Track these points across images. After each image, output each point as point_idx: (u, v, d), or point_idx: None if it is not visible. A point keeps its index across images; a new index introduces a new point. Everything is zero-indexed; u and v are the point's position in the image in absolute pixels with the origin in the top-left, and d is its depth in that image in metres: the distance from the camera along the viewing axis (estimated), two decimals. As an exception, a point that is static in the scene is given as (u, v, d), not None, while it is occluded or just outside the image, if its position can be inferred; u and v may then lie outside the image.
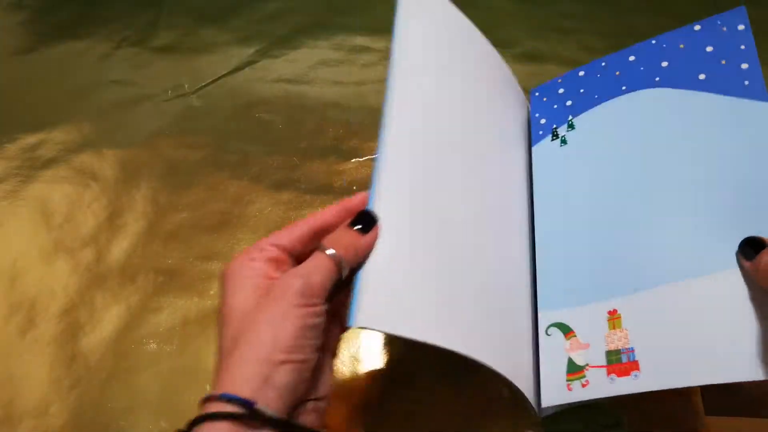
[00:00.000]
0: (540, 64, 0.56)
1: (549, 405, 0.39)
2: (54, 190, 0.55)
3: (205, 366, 0.47)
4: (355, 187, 0.54)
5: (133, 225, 0.53)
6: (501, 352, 0.38)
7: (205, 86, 0.60)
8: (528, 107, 0.52)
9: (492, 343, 0.38)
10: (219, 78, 0.61)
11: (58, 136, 0.58)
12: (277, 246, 0.34)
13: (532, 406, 0.41)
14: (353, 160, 0.55)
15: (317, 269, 0.32)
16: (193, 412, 0.45)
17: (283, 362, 0.29)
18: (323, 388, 0.33)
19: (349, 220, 0.34)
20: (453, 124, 0.43)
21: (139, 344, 0.48)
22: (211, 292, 0.50)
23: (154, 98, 0.60)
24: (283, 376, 0.29)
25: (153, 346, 0.48)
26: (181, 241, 0.52)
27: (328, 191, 0.54)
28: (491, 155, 0.45)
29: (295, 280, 0.31)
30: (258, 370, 0.29)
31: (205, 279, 0.50)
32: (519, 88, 0.52)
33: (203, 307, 0.49)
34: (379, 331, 0.32)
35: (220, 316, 0.32)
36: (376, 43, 0.62)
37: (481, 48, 0.49)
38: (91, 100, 0.60)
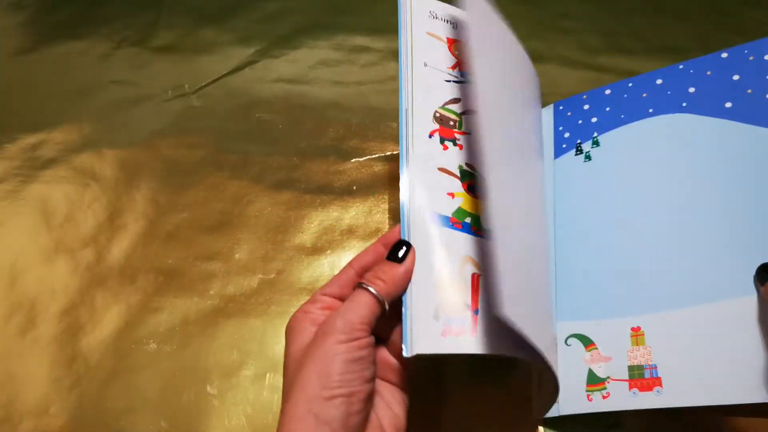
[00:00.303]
0: (540, 64, 0.56)
1: (568, 413, 0.40)
2: (54, 190, 0.55)
3: (204, 366, 0.47)
4: (354, 187, 0.54)
5: (133, 225, 0.53)
6: (549, 352, 0.38)
7: (205, 86, 0.60)
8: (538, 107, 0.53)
9: (541, 342, 0.38)
10: (219, 78, 0.61)
11: (58, 136, 0.58)
12: (329, 294, 0.37)
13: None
14: (353, 160, 0.55)
15: (356, 305, 0.34)
16: (193, 412, 0.45)
17: (331, 397, 0.31)
18: (389, 422, 0.34)
19: (381, 246, 0.37)
20: (482, 134, 0.43)
21: (139, 344, 0.48)
22: (211, 292, 0.50)
23: (154, 98, 0.60)
24: (332, 410, 0.31)
25: (153, 346, 0.48)
26: (181, 241, 0.52)
27: (328, 191, 0.54)
28: (516, 162, 0.45)
29: (336, 318, 0.33)
30: (308, 409, 0.31)
31: (205, 279, 0.50)
32: (538, 88, 0.52)
33: (203, 307, 0.49)
34: (435, 354, 0.34)
35: (283, 368, 0.35)
36: (376, 43, 0.62)
37: (509, 46, 0.49)
38: (91, 100, 0.60)
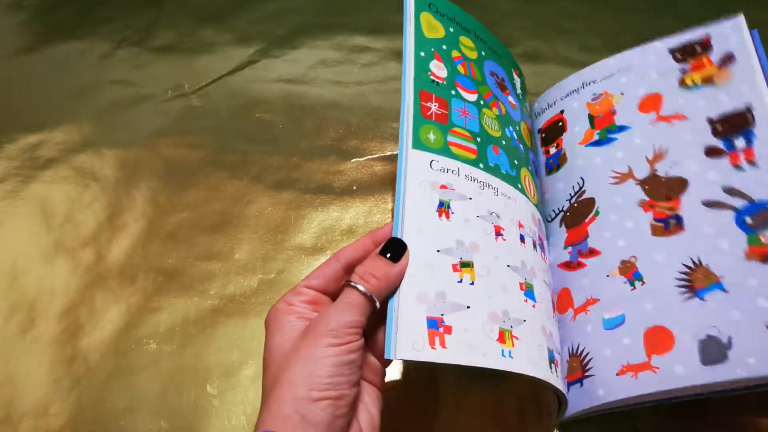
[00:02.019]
0: (540, 64, 0.56)
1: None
2: (54, 190, 0.55)
3: (204, 366, 0.47)
4: (354, 187, 0.54)
5: (133, 225, 0.53)
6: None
7: (205, 86, 0.60)
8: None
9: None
10: (219, 78, 0.61)
11: (58, 136, 0.58)
12: (312, 287, 0.36)
13: (552, 411, 0.41)
14: (353, 160, 0.55)
15: (349, 307, 0.33)
16: (193, 412, 0.45)
17: (319, 399, 0.30)
18: (366, 423, 0.34)
19: (378, 249, 0.35)
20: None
21: (139, 344, 0.48)
22: (211, 292, 0.50)
23: (154, 98, 0.60)
24: (320, 412, 0.30)
25: (153, 346, 0.48)
26: (181, 241, 0.52)
27: (328, 191, 0.54)
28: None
29: (328, 319, 0.32)
30: (295, 408, 0.30)
31: (205, 279, 0.50)
32: None
33: (203, 307, 0.49)
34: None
35: (263, 359, 0.34)
36: (376, 43, 0.62)
37: None
38: (91, 100, 0.60)
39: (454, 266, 0.36)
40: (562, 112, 0.49)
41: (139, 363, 0.47)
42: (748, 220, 0.39)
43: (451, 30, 0.45)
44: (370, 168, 0.55)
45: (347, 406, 0.32)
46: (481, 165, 0.41)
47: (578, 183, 0.46)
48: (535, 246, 0.42)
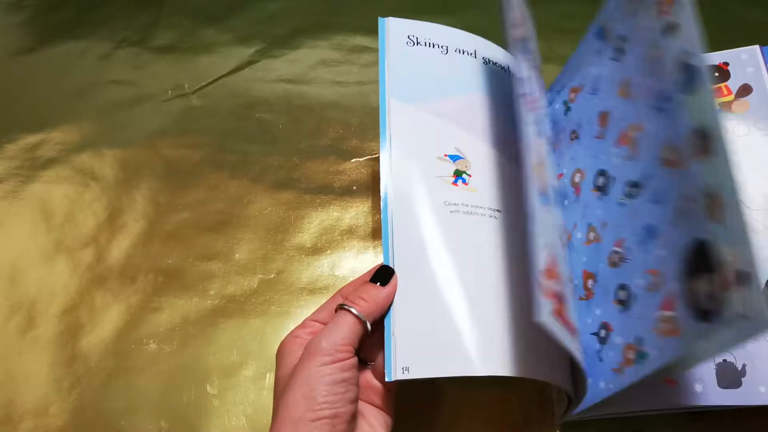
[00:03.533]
0: (540, 63, 0.55)
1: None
2: (54, 190, 0.55)
3: (204, 366, 0.47)
4: (354, 187, 0.54)
5: (133, 225, 0.53)
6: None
7: (205, 86, 0.60)
8: None
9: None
10: (219, 78, 0.61)
11: (58, 136, 0.58)
12: (318, 320, 0.38)
13: (557, 409, 0.41)
14: (353, 160, 0.55)
15: (340, 327, 0.35)
16: (193, 412, 0.45)
17: (316, 419, 0.32)
18: None
19: (369, 278, 0.38)
20: None
21: (139, 344, 0.48)
22: (211, 292, 0.50)
23: (154, 98, 0.60)
24: None
25: (153, 346, 0.48)
26: (181, 241, 0.52)
27: (328, 191, 0.54)
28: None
29: (320, 340, 0.34)
30: (294, 430, 0.32)
31: (205, 279, 0.50)
32: None
33: (203, 307, 0.49)
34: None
35: (274, 389, 0.36)
36: (376, 43, 0.61)
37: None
38: (91, 100, 0.60)
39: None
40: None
41: (139, 363, 0.47)
42: None
43: None
44: (370, 168, 0.55)
45: (345, 424, 0.33)
46: None
47: None
48: None
